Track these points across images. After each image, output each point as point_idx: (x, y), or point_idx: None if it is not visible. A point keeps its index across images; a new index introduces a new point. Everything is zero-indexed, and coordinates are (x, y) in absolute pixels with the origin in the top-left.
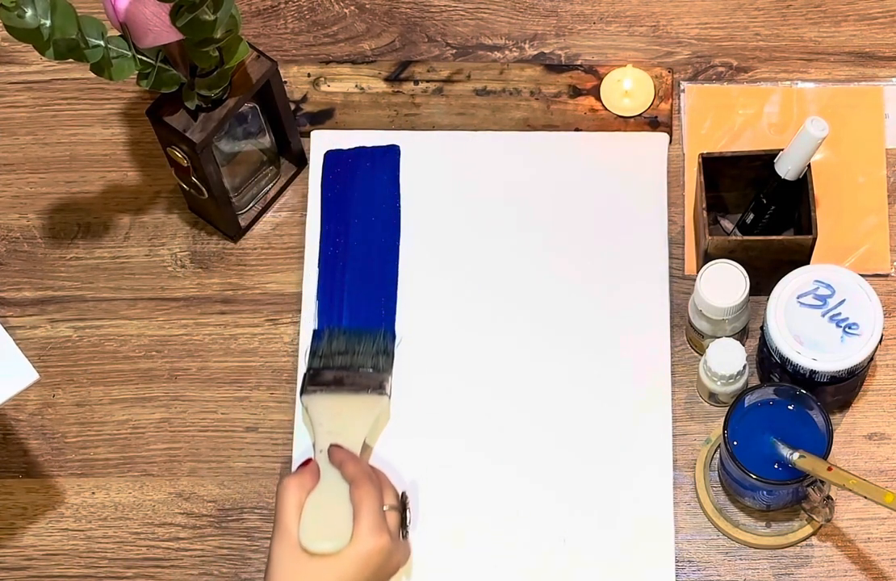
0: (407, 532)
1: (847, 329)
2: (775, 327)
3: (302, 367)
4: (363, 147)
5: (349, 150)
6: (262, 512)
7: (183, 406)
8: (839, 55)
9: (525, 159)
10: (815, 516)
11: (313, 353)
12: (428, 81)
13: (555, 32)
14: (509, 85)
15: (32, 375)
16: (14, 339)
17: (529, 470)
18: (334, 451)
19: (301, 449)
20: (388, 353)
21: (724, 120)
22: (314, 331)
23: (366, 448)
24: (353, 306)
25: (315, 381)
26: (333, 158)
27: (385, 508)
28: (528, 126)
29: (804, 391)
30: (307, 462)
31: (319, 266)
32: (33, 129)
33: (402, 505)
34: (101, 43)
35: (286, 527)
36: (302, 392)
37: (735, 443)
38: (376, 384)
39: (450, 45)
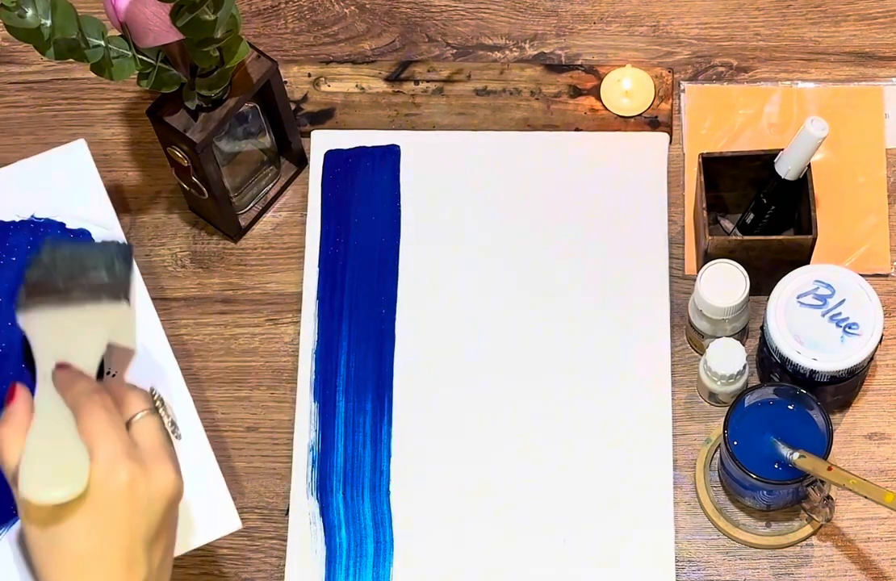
0: (176, 430)
1: (847, 329)
2: (775, 327)
3: (303, 367)
4: (363, 147)
5: (349, 149)
6: (262, 512)
7: None
8: (839, 55)
9: (525, 159)
10: (815, 516)
11: (30, 263)
12: (428, 81)
13: (555, 32)
14: (509, 85)
15: (236, 524)
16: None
17: (529, 470)
18: (59, 374)
19: (301, 448)
20: (126, 260)
21: (724, 120)
22: (34, 248)
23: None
24: (354, 306)
25: (34, 293)
26: (333, 158)
27: (136, 418)
28: (528, 126)
29: (804, 391)
30: (13, 395)
31: (319, 266)
32: (33, 129)
33: (155, 406)
34: (102, 43)
35: (12, 482)
36: (18, 307)
37: (735, 443)
38: (112, 292)
39: (450, 45)
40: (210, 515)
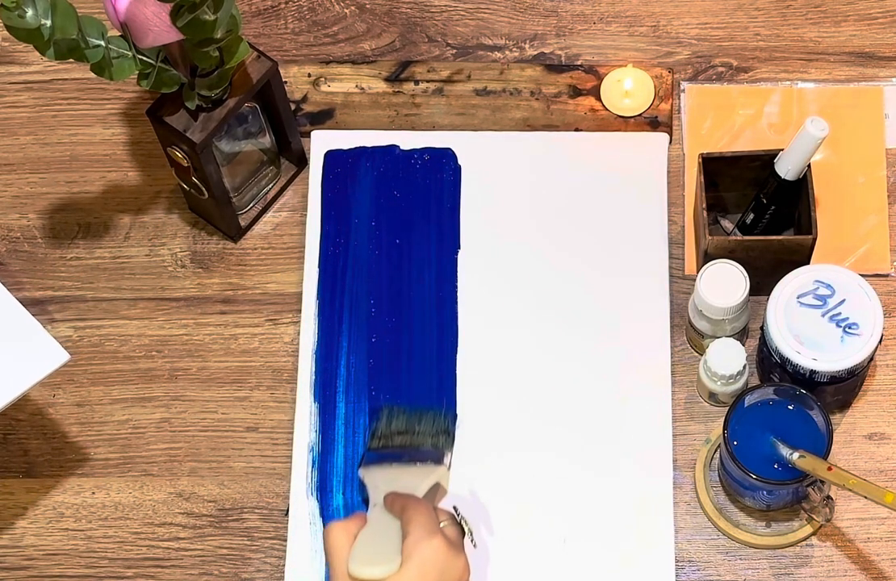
0: (472, 540)
1: (847, 329)
2: (775, 327)
3: (303, 367)
4: (363, 147)
5: (349, 149)
6: (262, 512)
7: (183, 406)
8: (839, 55)
9: (525, 159)
10: (815, 516)
11: (372, 433)
12: (428, 81)
13: (555, 32)
14: (509, 85)
15: (63, 356)
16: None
17: (529, 469)
18: (389, 496)
19: (301, 448)
20: (449, 434)
21: (724, 120)
22: (370, 409)
23: None
24: (354, 306)
25: (373, 455)
26: (333, 158)
27: (441, 525)
28: (528, 126)
29: (804, 391)
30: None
31: (319, 266)
32: (34, 129)
33: (455, 519)
34: (102, 43)
35: (338, 565)
36: (359, 465)
37: (735, 443)
38: (435, 457)
39: (450, 45)
40: (36, 356)
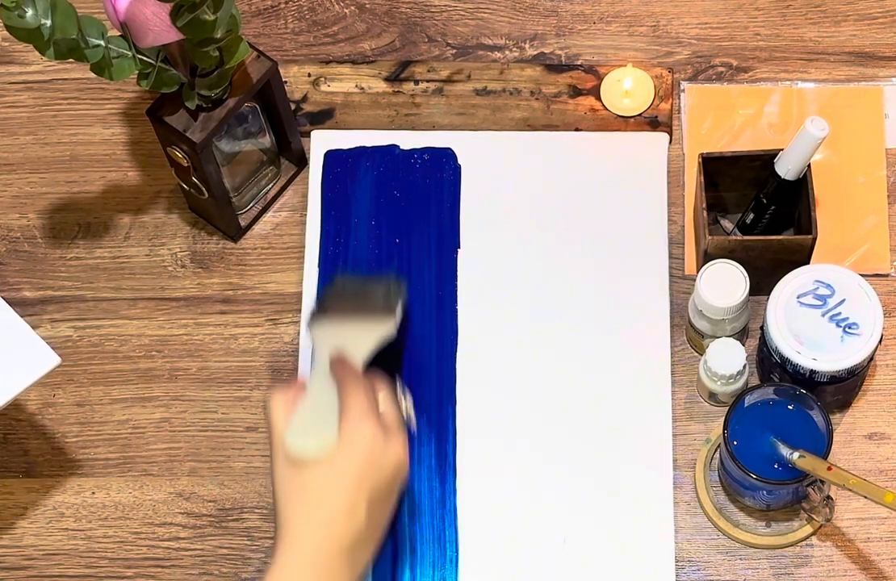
0: (412, 422)
1: (847, 329)
2: (775, 327)
3: (303, 367)
4: (363, 147)
5: (349, 149)
6: (262, 512)
7: (183, 406)
8: (839, 55)
9: (525, 159)
10: (815, 516)
11: (323, 290)
12: (428, 81)
13: (555, 32)
14: (509, 85)
15: (54, 360)
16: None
17: (529, 469)
18: (333, 362)
19: None
20: (399, 294)
21: (724, 120)
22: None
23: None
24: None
25: (322, 312)
26: (333, 158)
27: (381, 408)
28: (528, 126)
29: (804, 391)
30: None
31: (319, 266)
32: (33, 129)
33: (396, 398)
34: (102, 43)
35: (276, 437)
36: (308, 322)
37: (735, 443)
38: (383, 316)
39: (450, 45)
40: (27, 359)
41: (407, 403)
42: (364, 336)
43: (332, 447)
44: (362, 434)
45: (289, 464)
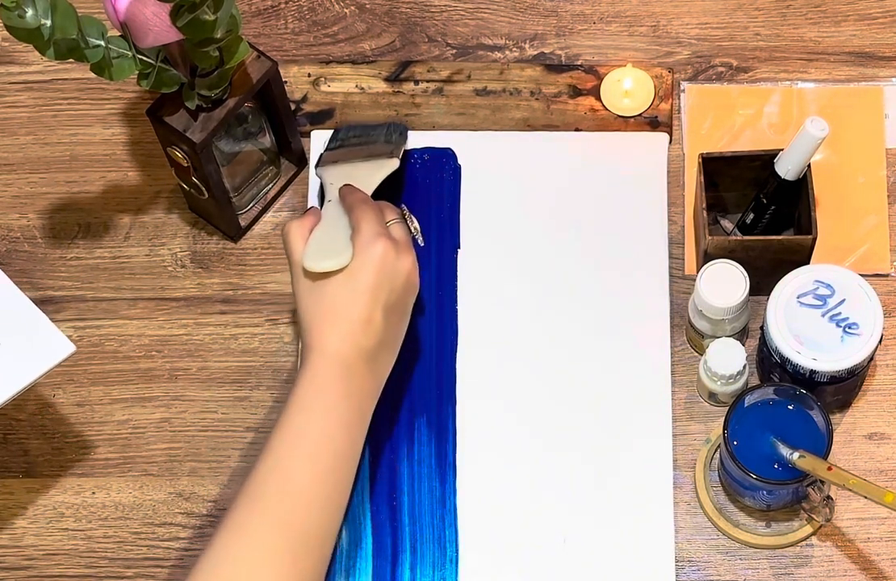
0: (420, 238)
1: (847, 329)
2: (775, 327)
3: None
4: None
5: None
6: None
7: (183, 406)
8: (839, 55)
9: (525, 159)
10: (815, 516)
11: (331, 138)
12: (428, 81)
13: (555, 32)
14: (509, 85)
15: (69, 348)
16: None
17: (529, 469)
18: (343, 188)
19: None
20: (402, 134)
21: (724, 120)
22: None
23: None
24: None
25: (330, 155)
26: None
27: (388, 223)
28: (528, 126)
29: (804, 391)
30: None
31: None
32: (33, 129)
33: (403, 217)
34: (102, 43)
35: (295, 261)
36: (317, 165)
37: (735, 443)
38: (387, 152)
39: (450, 45)
40: (43, 347)
41: (414, 223)
42: (370, 172)
43: (347, 261)
44: (375, 249)
45: (309, 282)
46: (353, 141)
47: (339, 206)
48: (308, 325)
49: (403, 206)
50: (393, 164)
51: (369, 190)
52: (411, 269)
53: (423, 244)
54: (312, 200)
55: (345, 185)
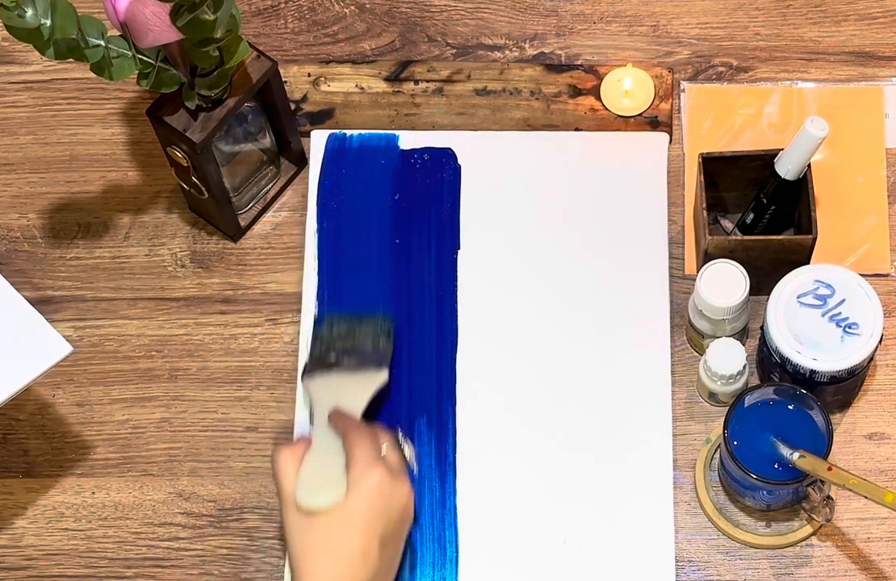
0: (415, 464)
1: (847, 329)
2: (775, 327)
3: (304, 359)
4: (363, 146)
5: (349, 149)
6: (262, 512)
7: (183, 406)
8: (839, 55)
9: (525, 159)
10: (815, 516)
11: (315, 337)
12: (428, 81)
13: (555, 32)
14: (509, 85)
15: (66, 348)
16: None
17: (529, 469)
18: (333, 415)
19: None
20: (389, 336)
21: (724, 120)
22: (315, 318)
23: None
24: (354, 306)
25: (316, 364)
26: (333, 158)
27: (383, 453)
28: (528, 126)
29: (804, 391)
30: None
31: (319, 266)
32: (33, 129)
33: (399, 444)
34: (102, 43)
35: (286, 493)
36: (303, 375)
37: (735, 443)
38: (376, 362)
39: (450, 44)
40: (40, 348)
41: (408, 449)
42: (359, 388)
43: (342, 495)
44: (370, 479)
45: (301, 516)
46: (338, 345)
47: (329, 430)
48: (299, 560)
49: (398, 429)
50: (382, 377)
51: (359, 409)
52: (407, 500)
53: (416, 473)
54: (312, 201)
55: (335, 409)
